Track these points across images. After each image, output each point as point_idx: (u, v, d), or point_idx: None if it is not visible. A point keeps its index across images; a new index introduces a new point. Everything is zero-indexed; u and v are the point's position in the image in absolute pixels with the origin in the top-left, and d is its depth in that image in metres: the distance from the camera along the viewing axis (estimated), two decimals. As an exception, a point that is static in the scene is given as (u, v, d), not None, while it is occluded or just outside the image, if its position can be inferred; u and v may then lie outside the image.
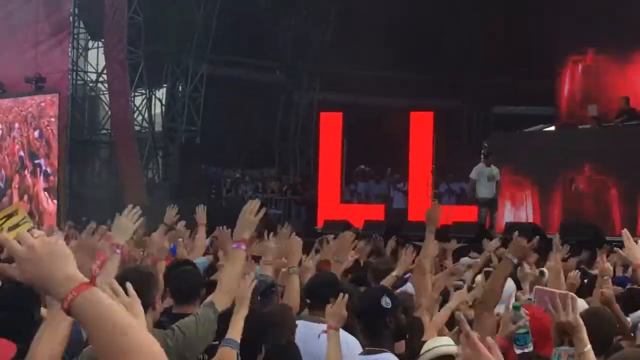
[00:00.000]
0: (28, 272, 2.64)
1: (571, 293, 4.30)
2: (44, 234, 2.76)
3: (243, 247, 5.44)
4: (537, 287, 4.60)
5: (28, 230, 2.94)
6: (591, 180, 21.16)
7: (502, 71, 28.00)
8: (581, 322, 4.17)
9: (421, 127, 23.77)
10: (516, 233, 6.97)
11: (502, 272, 6.43)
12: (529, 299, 6.56)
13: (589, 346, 4.14)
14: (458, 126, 29.20)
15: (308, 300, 6.65)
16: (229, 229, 9.40)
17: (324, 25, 29.29)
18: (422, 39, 27.53)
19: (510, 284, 7.83)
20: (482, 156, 20.73)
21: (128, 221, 5.95)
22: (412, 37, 27.44)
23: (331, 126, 25.07)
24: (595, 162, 21.05)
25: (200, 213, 10.15)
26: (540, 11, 26.30)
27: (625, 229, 6.64)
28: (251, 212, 5.52)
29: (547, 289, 4.54)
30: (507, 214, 22.41)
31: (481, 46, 28.44)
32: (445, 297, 7.62)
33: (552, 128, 26.58)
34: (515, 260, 6.52)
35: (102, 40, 27.89)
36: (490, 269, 9.07)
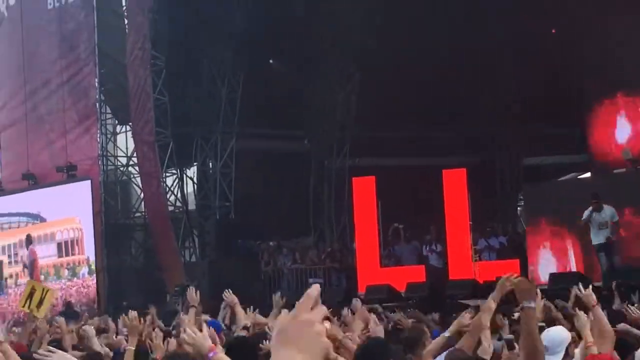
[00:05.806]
0: None
1: None
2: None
3: None
4: None
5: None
6: (631, 224, 20.89)
7: (531, 122, 27.83)
8: None
9: (454, 184, 23.49)
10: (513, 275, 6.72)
11: (530, 325, 6.22)
12: None
13: None
14: (490, 181, 28.97)
15: None
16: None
17: (349, 89, 29.24)
18: (446, 95, 27.41)
19: (565, 334, 7.58)
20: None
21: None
22: (436, 94, 27.37)
23: (364, 191, 24.84)
24: (634, 206, 20.81)
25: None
26: (566, 58, 26.14)
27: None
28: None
29: None
30: (549, 265, 22.14)
31: (505, 98, 28.32)
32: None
33: (588, 175, 26.32)
34: (533, 304, 6.30)
35: (130, 124, 28.00)
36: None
